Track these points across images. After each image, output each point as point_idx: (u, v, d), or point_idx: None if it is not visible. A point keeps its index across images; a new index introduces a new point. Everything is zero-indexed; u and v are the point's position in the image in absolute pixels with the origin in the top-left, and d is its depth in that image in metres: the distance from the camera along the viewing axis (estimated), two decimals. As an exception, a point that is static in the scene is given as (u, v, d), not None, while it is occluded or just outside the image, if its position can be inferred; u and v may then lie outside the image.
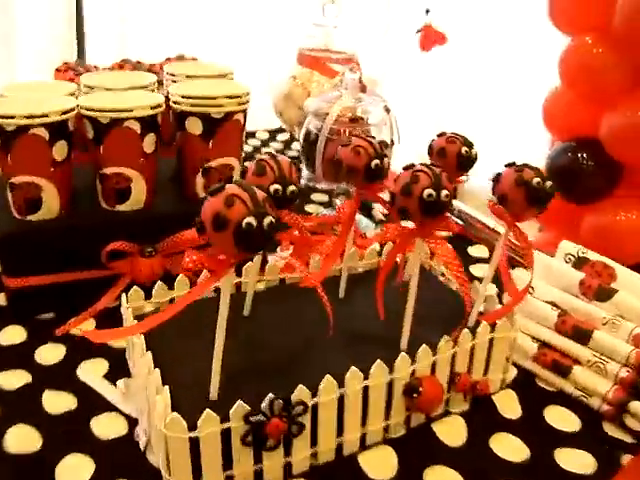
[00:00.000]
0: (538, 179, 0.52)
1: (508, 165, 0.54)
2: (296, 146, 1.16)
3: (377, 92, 0.84)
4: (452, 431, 0.56)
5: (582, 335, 0.60)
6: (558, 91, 1.15)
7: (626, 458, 0.54)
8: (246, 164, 0.53)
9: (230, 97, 0.67)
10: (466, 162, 0.60)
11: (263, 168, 0.50)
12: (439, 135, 0.61)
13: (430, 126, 2.38)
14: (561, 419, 0.58)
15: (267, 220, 0.40)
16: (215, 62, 0.82)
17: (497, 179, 0.54)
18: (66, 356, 0.61)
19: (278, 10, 2.03)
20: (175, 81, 0.75)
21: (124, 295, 0.57)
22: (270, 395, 0.46)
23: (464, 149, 0.59)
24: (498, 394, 0.60)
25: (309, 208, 0.93)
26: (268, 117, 1.10)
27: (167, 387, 0.46)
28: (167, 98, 0.69)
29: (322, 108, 0.83)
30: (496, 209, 0.55)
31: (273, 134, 1.24)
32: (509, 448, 0.54)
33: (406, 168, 0.50)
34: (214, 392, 0.48)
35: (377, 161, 0.54)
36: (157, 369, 0.48)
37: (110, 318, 0.65)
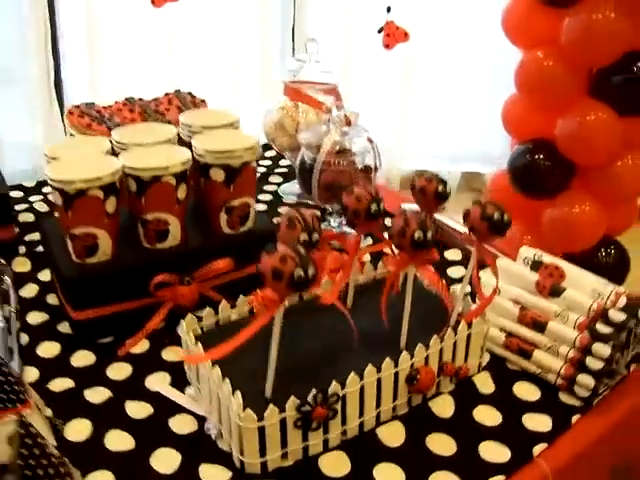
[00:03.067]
0: (498, 214, 0.75)
1: (475, 203, 0.78)
2: (284, 162, 1.38)
3: (359, 124, 1.06)
4: (443, 406, 0.80)
5: (539, 326, 0.84)
6: (515, 98, 1.39)
7: (576, 418, 0.79)
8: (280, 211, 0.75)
9: (246, 149, 0.89)
10: (442, 197, 0.83)
11: (293, 222, 0.72)
12: (419, 175, 0.84)
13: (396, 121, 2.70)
14: (526, 392, 0.82)
15: (311, 271, 0.62)
16: (220, 109, 1.04)
17: (467, 214, 0.77)
18: (134, 372, 0.83)
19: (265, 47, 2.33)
20: (191, 130, 0.96)
21: (182, 322, 0.79)
22: (314, 390, 0.69)
23: (440, 187, 0.82)
24: (476, 375, 0.84)
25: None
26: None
27: (238, 392, 0.68)
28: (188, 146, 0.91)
29: (313, 141, 1.05)
30: (467, 237, 0.78)
31: (262, 150, 1.45)
32: (487, 416, 0.79)
33: (399, 214, 0.73)
34: (269, 391, 0.70)
35: (375, 206, 0.77)
36: (227, 379, 0.70)
37: (158, 337, 0.87)
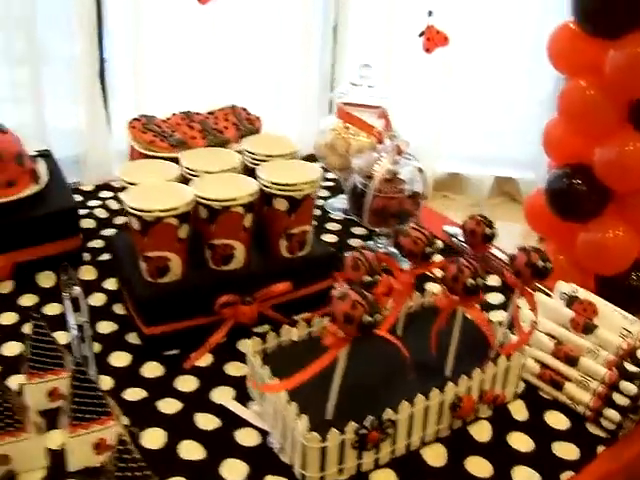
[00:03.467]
0: (542, 262, 0.86)
1: (520, 249, 0.88)
2: (330, 175, 1.48)
3: (409, 152, 1.16)
4: (481, 431, 0.91)
5: (572, 360, 0.95)
6: (556, 122, 1.48)
7: (601, 449, 0.90)
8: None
9: (309, 183, 0.99)
10: (489, 238, 0.93)
11: (357, 264, 0.83)
12: (469, 217, 0.94)
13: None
14: (557, 421, 0.93)
15: (377, 317, 0.73)
16: (279, 136, 1.14)
17: (513, 259, 0.88)
18: (200, 384, 0.95)
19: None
20: (255, 158, 1.07)
21: (248, 343, 0.90)
22: (370, 417, 0.80)
23: (488, 230, 0.93)
24: (512, 403, 0.96)
25: (352, 242, 1.27)
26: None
27: (304, 416, 0.80)
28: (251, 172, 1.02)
29: (365, 167, 1.16)
30: (512, 280, 0.89)
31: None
32: (520, 442, 0.90)
33: (453, 261, 0.83)
34: (329, 413, 0.82)
35: (429, 249, 0.88)
36: (293, 402, 0.81)
37: (219, 350, 0.99)
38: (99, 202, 1.35)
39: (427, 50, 2.10)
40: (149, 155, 1.19)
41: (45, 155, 1.25)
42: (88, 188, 1.40)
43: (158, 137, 1.21)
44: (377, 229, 1.21)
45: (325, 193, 1.44)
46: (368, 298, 0.74)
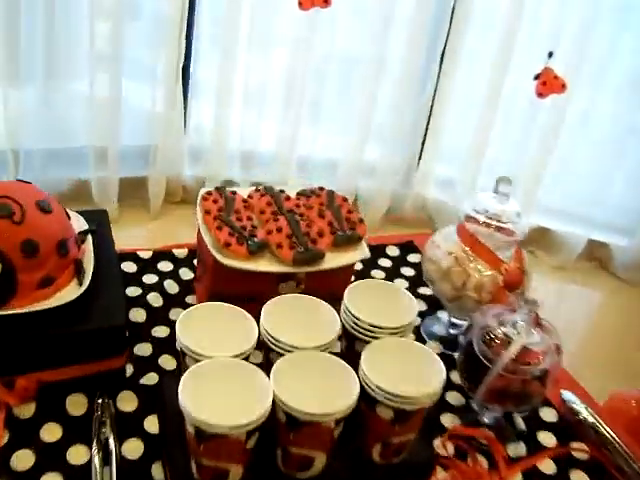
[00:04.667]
0: None
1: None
2: (425, 290, 1.21)
3: (547, 322, 0.91)
4: None
5: None
6: None
7: None
8: None
9: (427, 396, 0.75)
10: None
11: None
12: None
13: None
14: None
15: None
16: (388, 286, 0.90)
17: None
18: None
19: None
20: (357, 326, 0.82)
21: None
22: None
23: None
24: None
25: (451, 398, 1.02)
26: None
27: None
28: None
29: (490, 334, 0.91)
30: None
31: (404, 254, 1.31)
32: None
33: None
34: None
35: None
36: None
37: None
38: (155, 278, 1.11)
39: (540, 95, 1.82)
40: (220, 262, 0.95)
41: (93, 231, 1.00)
42: (146, 255, 1.15)
43: (235, 235, 0.96)
44: (488, 405, 0.96)
45: (421, 305, 1.17)
46: None
